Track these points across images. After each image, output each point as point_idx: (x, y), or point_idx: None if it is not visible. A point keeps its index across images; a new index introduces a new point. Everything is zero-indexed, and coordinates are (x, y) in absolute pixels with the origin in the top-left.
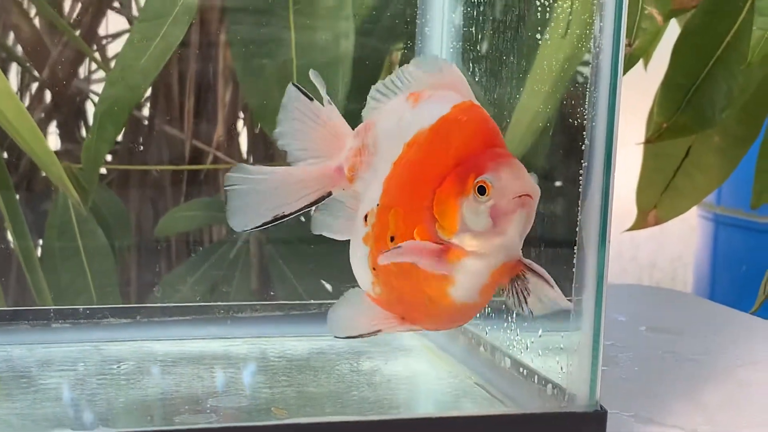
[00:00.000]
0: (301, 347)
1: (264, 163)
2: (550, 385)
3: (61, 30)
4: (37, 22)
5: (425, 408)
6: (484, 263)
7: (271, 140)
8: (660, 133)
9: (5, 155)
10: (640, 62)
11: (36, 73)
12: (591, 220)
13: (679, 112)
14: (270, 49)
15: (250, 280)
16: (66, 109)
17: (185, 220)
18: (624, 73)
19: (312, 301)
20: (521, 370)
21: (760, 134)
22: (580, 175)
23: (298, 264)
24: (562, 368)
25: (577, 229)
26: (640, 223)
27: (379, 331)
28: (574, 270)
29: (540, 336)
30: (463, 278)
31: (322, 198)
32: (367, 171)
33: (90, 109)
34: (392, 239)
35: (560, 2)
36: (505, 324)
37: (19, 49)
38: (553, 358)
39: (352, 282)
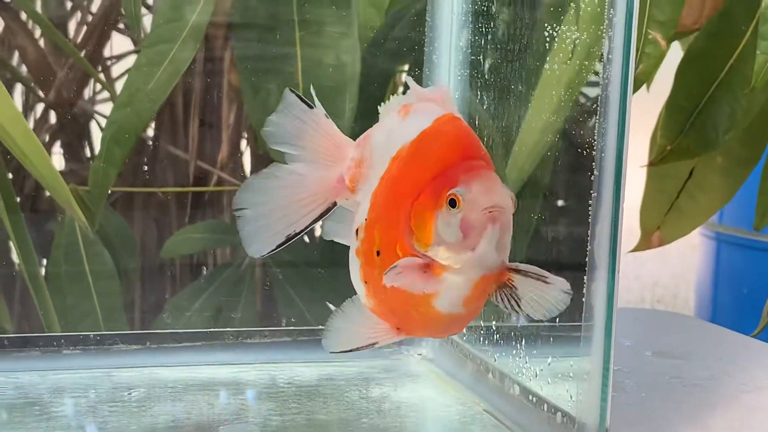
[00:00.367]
0: (310, 373)
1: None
2: (559, 414)
3: (67, 51)
4: (42, 43)
5: None
6: (462, 277)
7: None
8: (663, 156)
9: (10, 176)
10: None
11: (41, 94)
12: (601, 245)
13: (682, 134)
14: (276, 73)
15: (256, 302)
16: (70, 129)
17: (191, 242)
18: None
19: (320, 327)
20: (530, 397)
21: (763, 156)
22: (590, 204)
23: (304, 286)
24: (571, 396)
25: (586, 258)
26: (644, 245)
27: (375, 343)
28: (584, 295)
29: (549, 364)
30: (444, 291)
31: (329, 210)
32: (364, 183)
33: (95, 129)
34: (378, 254)
35: (566, 29)
36: (514, 351)
37: (24, 69)
38: (562, 385)
39: None
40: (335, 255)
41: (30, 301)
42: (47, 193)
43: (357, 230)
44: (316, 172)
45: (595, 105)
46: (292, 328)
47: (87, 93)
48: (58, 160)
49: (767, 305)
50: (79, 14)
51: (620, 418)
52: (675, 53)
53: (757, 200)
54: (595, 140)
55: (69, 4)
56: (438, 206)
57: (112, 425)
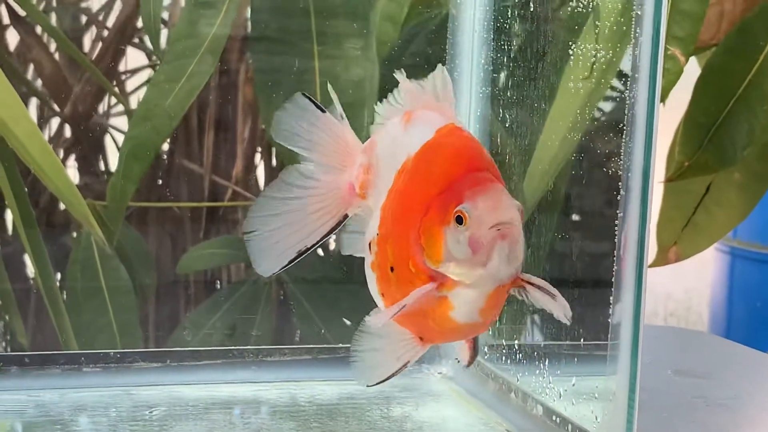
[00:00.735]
0: (331, 392)
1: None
2: None
3: (82, 65)
4: (57, 57)
5: None
6: (476, 291)
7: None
8: (681, 172)
9: (26, 190)
10: None
11: (56, 108)
12: (627, 264)
13: (700, 150)
14: (294, 86)
15: (272, 318)
16: (86, 143)
17: (207, 258)
18: None
19: (341, 345)
20: (554, 417)
21: None
22: (616, 223)
23: (321, 303)
24: (597, 417)
25: (612, 277)
26: (661, 260)
27: (406, 364)
28: (610, 314)
29: (573, 384)
30: (460, 304)
31: (340, 223)
32: (374, 189)
33: (109, 143)
34: (392, 269)
35: (586, 46)
36: (537, 371)
37: (40, 83)
38: (587, 406)
39: None
40: (351, 269)
41: (45, 316)
42: (63, 207)
43: (370, 244)
44: (326, 176)
45: (616, 122)
46: (312, 346)
47: (102, 107)
48: (72, 174)
49: None
50: (94, 28)
51: None
52: (690, 67)
53: None
54: (617, 157)
55: (84, 18)
56: (446, 223)
57: None
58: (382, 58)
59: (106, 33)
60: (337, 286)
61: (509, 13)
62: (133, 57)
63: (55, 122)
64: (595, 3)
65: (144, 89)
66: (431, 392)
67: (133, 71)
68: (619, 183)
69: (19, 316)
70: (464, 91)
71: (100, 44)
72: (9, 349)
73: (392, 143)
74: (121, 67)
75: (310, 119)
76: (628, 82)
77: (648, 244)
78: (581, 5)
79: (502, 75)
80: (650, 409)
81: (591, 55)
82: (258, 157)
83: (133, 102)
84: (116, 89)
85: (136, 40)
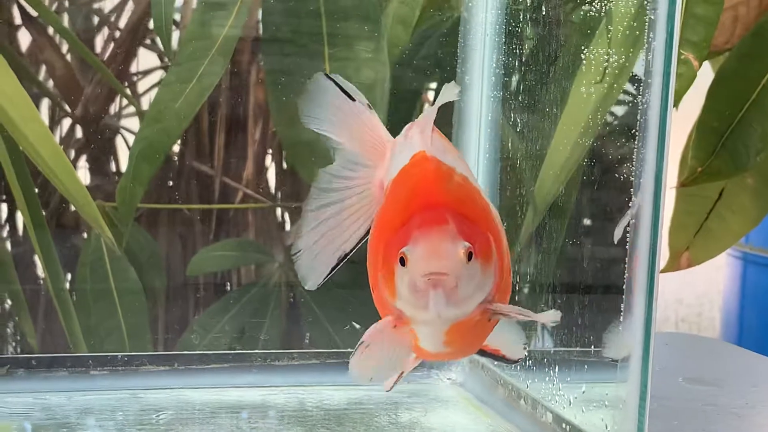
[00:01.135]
0: (339, 397)
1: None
2: None
3: (94, 66)
4: (69, 58)
5: None
6: (430, 329)
7: (300, 177)
8: (695, 177)
9: (36, 191)
10: None
11: (68, 109)
12: (639, 271)
13: (713, 156)
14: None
15: (282, 322)
16: (97, 144)
17: (217, 260)
18: None
19: (349, 350)
20: (564, 425)
21: None
22: (628, 231)
23: (331, 307)
24: (606, 425)
25: (623, 286)
26: (673, 266)
27: (401, 374)
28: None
29: (583, 391)
30: (422, 337)
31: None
32: None
33: (120, 144)
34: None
35: (599, 51)
36: (547, 377)
37: (51, 84)
38: (597, 413)
39: None
40: (360, 275)
41: (55, 317)
42: (73, 208)
43: None
44: (357, 173)
45: (628, 127)
46: (320, 350)
47: (113, 108)
48: (83, 175)
49: None
50: (106, 30)
51: None
52: (703, 72)
53: None
54: (629, 162)
55: (96, 19)
56: (396, 261)
57: None
58: (394, 61)
59: (117, 34)
60: (347, 290)
61: (521, 17)
62: (145, 58)
63: (66, 123)
64: (608, 7)
65: (155, 90)
66: (440, 398)
67: (145, 72)
68: (631, 188)
69: (29, 318)
70: (475, 94)
71: (111, 45)
72: (19, 350)
73: (392, 156)
74: (133, 69)
75: (339, 105)
76: (641, 87)
77: (660, 249)
78: (594, 9)
79: (514, 79)
80: (661, 417)
81: (603, 59)
82: (269, 158)
83: (145, 103)
84: (128, 90)
85: (148, 42)
